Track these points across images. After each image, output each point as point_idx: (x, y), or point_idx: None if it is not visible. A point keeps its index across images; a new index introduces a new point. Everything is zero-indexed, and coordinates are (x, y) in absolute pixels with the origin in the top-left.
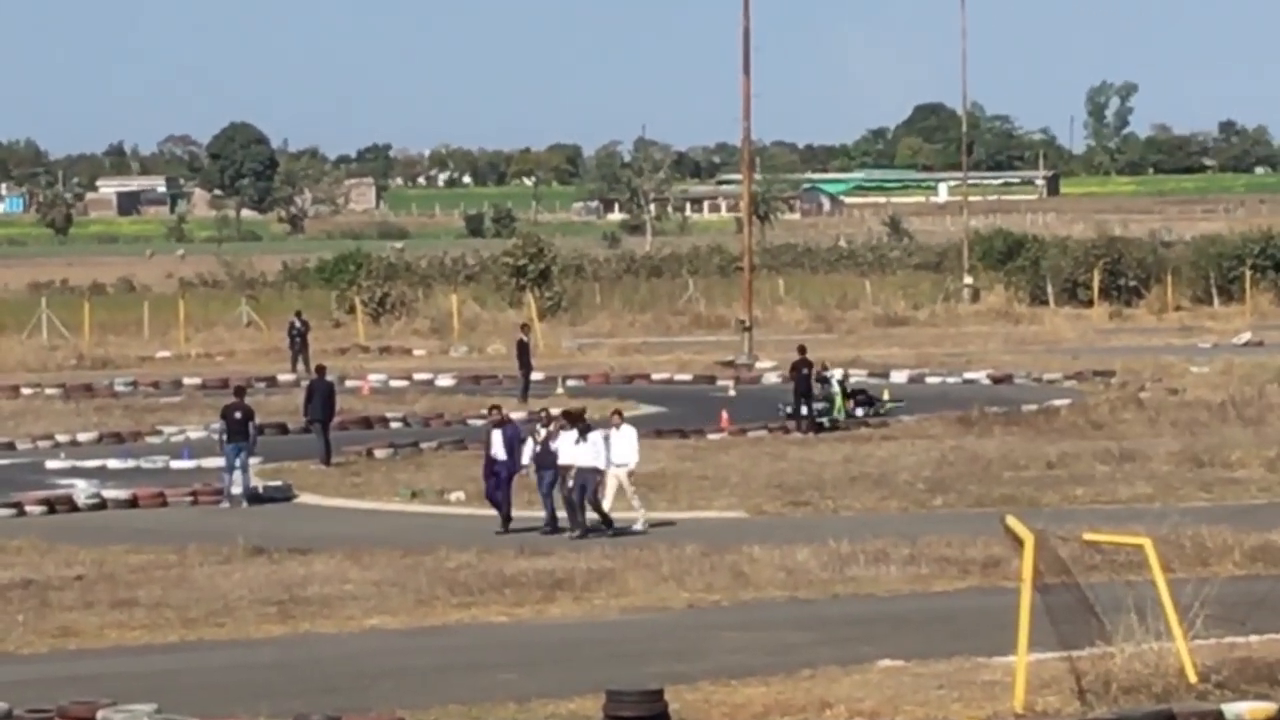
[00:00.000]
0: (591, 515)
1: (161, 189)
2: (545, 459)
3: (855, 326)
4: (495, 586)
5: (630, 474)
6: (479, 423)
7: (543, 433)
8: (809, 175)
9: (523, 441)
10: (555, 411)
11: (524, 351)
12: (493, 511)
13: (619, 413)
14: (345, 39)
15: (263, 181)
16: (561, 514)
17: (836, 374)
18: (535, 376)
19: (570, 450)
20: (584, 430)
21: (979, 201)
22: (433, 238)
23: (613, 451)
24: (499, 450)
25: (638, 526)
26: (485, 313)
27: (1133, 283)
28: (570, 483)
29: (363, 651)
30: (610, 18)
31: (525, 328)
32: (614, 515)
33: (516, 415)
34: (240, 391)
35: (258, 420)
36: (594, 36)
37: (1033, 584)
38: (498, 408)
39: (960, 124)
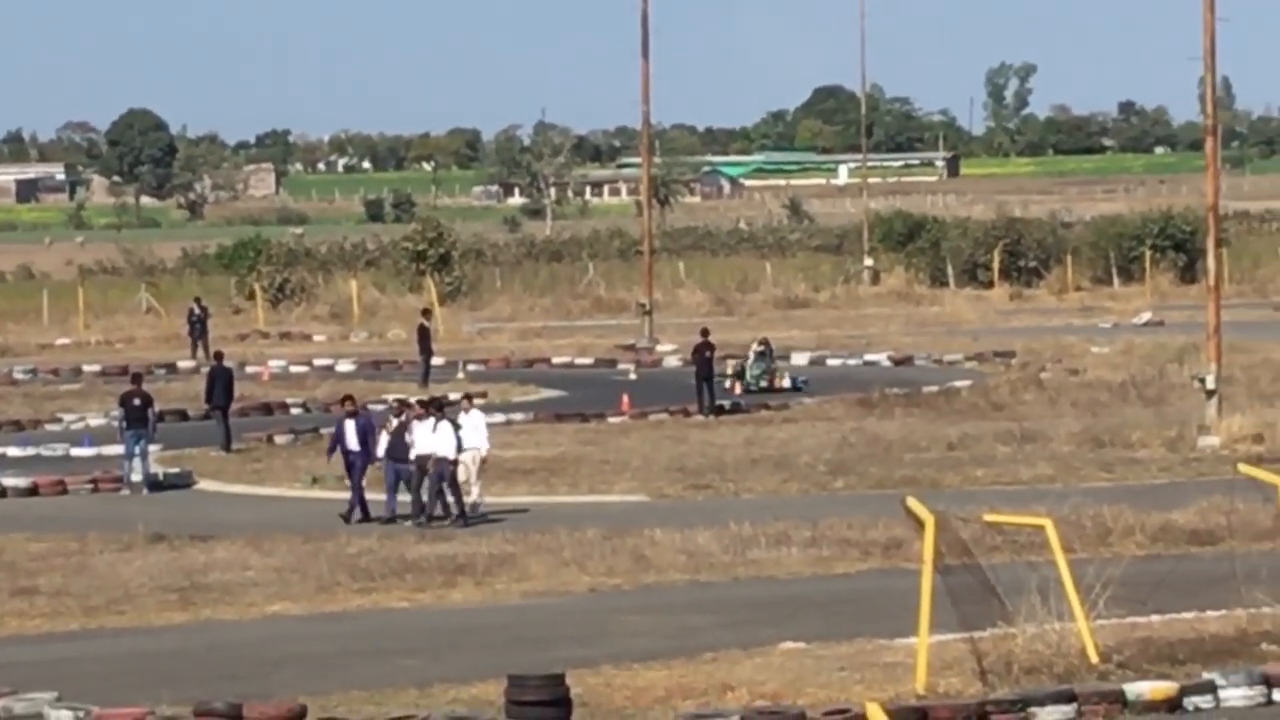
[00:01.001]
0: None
1: (60, 176)
2: (397, 450)
3: (756, 309)
4: (396, 572)
5: (483, 460)
6: (379, 408)
7: (394, 423)
8: (709, 158)
9: (376, 431)
10: (414, 401)
11: (425, 336)
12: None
13: (469, 398)
14: (244, 24)
15: (162, 168)
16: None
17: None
18: (435, 361)
19: (427, 439)
20: (438, 419)
21: (879, 183)
22: (332, 223)
23: (464, 437)
24: (352, 440)
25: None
26: (385, 298)
27: (1033, 264)
28: (428, 470)
29: (264, 638)
30: (510, 1)
31: (426, 313)
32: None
33: (417, 400)
34: (138, 379)
35: (157, 407)
36: (493, 20)
37: (934, 565)
38: (350, 397)
39: (860, 106)
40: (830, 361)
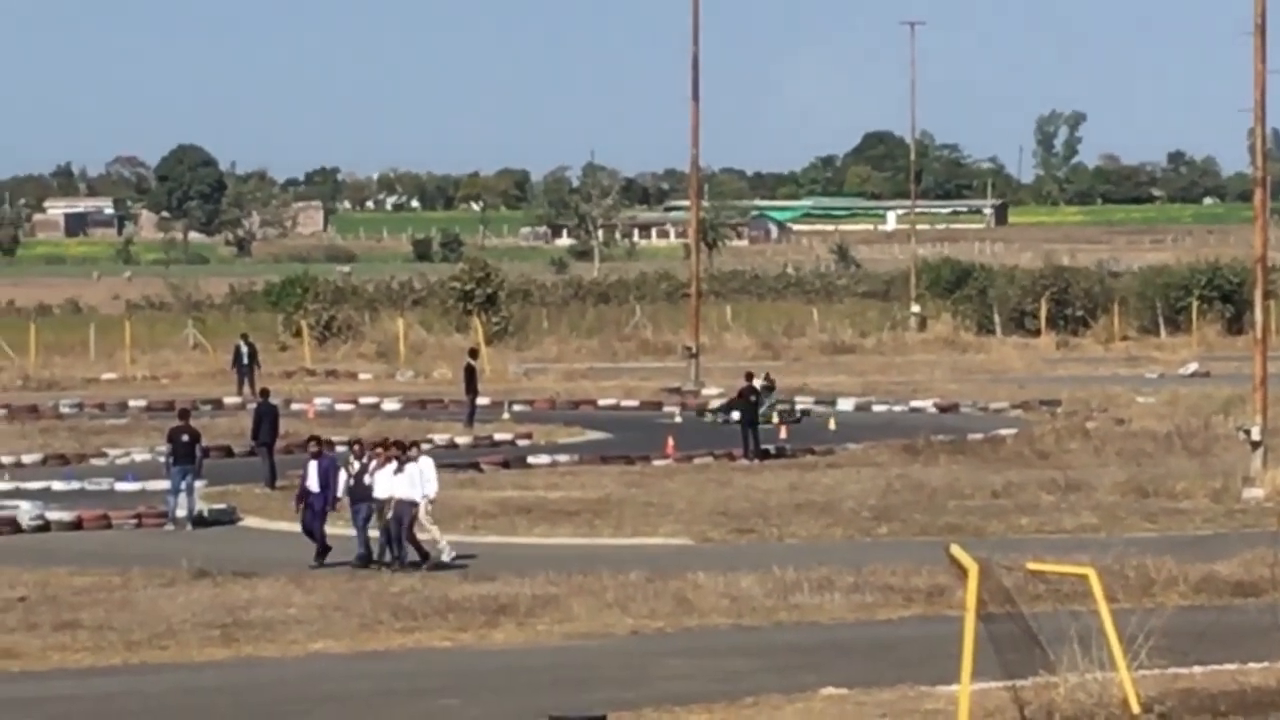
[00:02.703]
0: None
1: (109, 210)
2: (359, 491)
3: (802, 354)
4: (439, 611)
5: (430, 503)
6: (425, 448)
7: (356, 465)
8: (757, 202)
9: (338, 472)
10: (377, 441)
11: (471, 376)
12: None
13: (415, 444)
14: (295, 62)
15: (210, 204)
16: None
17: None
18: (481, 401)
19: (388, 482)
20: (402, 462)
21: (927, 230)
22: (380, 262)
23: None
24: (313, 482)
25: (445, 557)
26: (431, 337)
27: (1080, 312)
28: (389, 514)
29: (306, 676)
30: (560, 43)
31: (473, 353)
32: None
33: (463, 440)
34: (185, 414)
35: (204, 443)
36: (543, 62)
37: (976, 613)
38: (316, 439)
39: (909, 152)
40: (876, 408)
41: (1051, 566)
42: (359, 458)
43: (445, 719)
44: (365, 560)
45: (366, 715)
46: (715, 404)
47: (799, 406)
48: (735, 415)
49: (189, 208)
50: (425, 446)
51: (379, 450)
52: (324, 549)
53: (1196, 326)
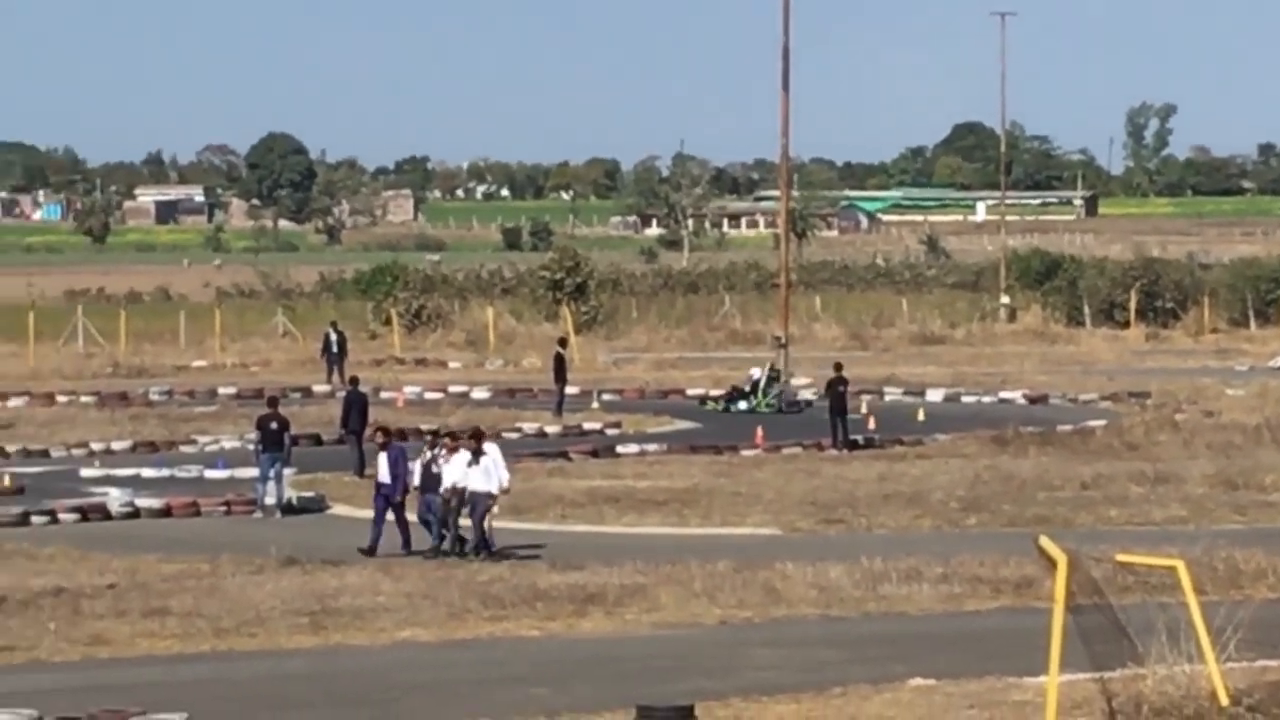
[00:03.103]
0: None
1: (199, 198)
2: (429, 482)
3: (891, 344)
4: (527, 600)
5: (505, 494)
6: (513, 436)
7: (428, 455)
8: (847, 192)
9: (407, 461)
10: (446, 431)
11: (560, 365)
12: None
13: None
14: (385, 50)
15: (300, 192)
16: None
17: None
18: (570, 390)
19: (460, 473)
20: (477, 453)
21: (1017, 221)
22: (470, 250)
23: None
24: (384, 473)
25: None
26: (521, 326)
27: (1169, 304)
28: (454, 503)
29: (394, 664)
30: (650, 32)
31: (563, 341)
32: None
33: (551, 429)
34: (274, 402)
35: (293, 431)
36: (633, 51)
37: (1065, 604)
38: (382, 429)
39: (999, 143)
40: (965, 399)
41: (1140, 558)
42: (430, 448)
43: (533, 708)
44: (437, 551)
45: (455, 704)
46: (715, 392)
47: (802, 397)
48: (743, 405)
49: (279, 196)
50: (513, 435)
51: (448, 441)
52: (376, 542)
53: None
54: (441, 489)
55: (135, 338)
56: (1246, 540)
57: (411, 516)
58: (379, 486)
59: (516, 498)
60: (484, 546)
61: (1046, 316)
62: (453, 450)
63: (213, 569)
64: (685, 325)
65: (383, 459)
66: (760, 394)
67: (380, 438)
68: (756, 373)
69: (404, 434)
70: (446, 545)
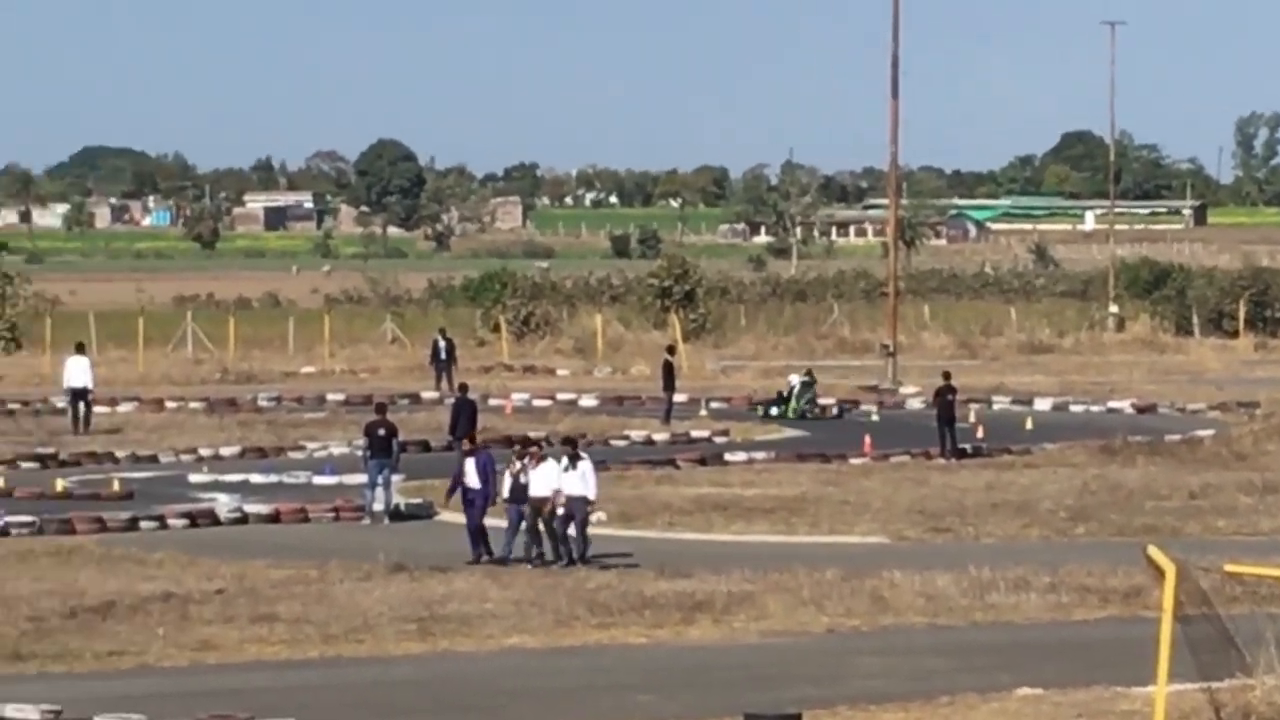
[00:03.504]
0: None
1: (308, 204)
2: (517, 492)
3: (1000, 353)
4: (635, 608)
5: (590, 505)
6: (621, 444)
7: (517, 465)
8: (955, 201)
9: (494, 468)
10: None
11: (669, 373)
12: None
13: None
14: (494, 58)
15: (409, 199)
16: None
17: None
18: (678, 398)
19: (552, 480)
20: (573, 459)
21: (1125, 230)
22: (578, 258)
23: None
24: (473, 479)
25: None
26: (629, 334)
27: (1279, 314)
28: (560, 512)
29: (501, 670)
30: (760, 40)
31: (671, 349)
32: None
33: (660, 437)
34: (383, 409)
35: (401, 437)
36: (743, 59)
37: (1173, 614)
38: (471, 437)
39: (1108, 152)
40: (1073, 408)
41: (1249, 568)
42: (519, 458)
43: (640, 715)
44: (505, 560)
45: (562, 710)
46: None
47: (834, 407)
48: (774, 411)
49: (388, 202)
50: (621, 443)
51: (533, 450)
52: (485, 547)
53: None
54: (530, 498)
55: (244, 344)
56: None
57: (495, 522)
58: (465, 493)
59: (625, 505)
60: (569, 553)
61: (1155, 326)
62: (539, 459)
63: (321, 575)
64: (793, 333)
65: (470, 465)
66: (795, 399)
67: (467, 444)
68: (795, 379)
69: (511, 441)
70: (535, 554)
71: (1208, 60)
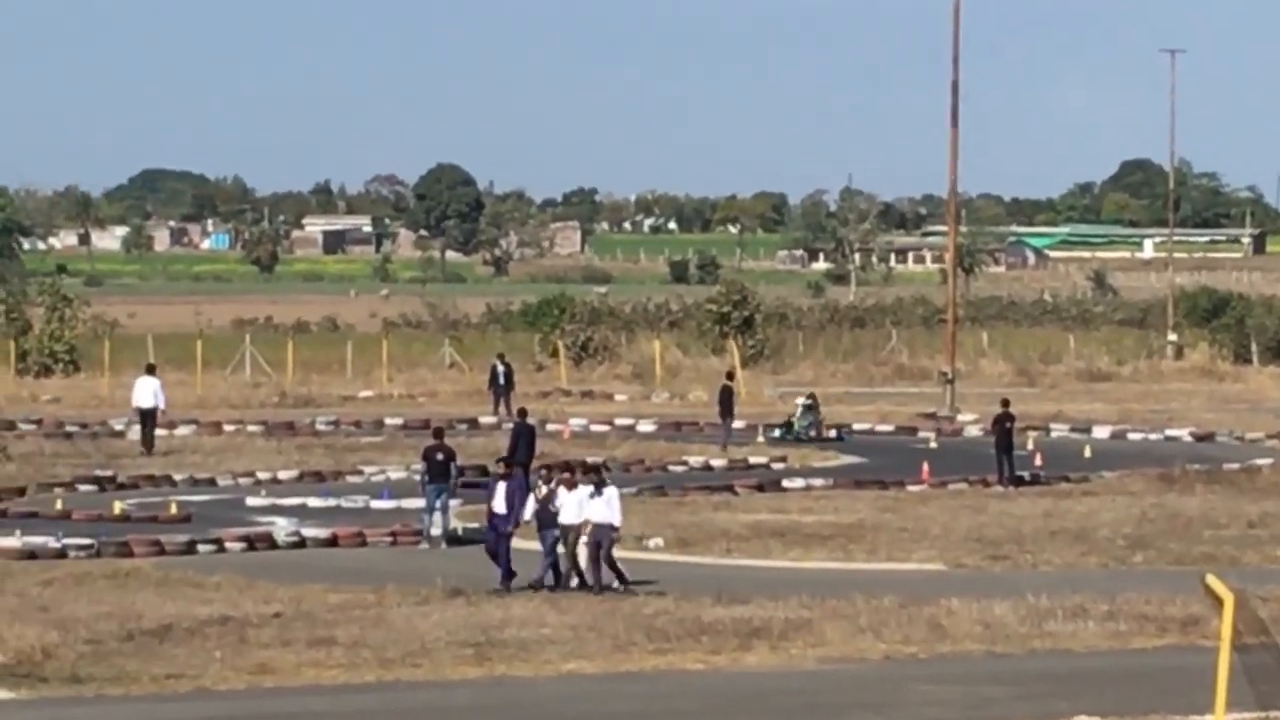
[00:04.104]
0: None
1: (367, 228)
2: (545, 517)
3: (1058, 381)
4: (692, 634)
5: (615, 531)
6: (679, 470)
7: (544, 490)
8: (1014, 228)
9: (525, 495)
10: (558, 464)
11: (728, 399)
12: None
13: (606, 468)
14: (554, 84)
15: (468, 223)
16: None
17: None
18: (736, 425)
19: (578, 506)
20: (599, 485)
21: (1184, 258)
22: (637, 283)
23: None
24: (499, 503)
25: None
26: (687, 359)
27: None
28: (583, 538)
29: (558, 696)
30: (819, 67)
31: (731, 375)
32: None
33: (718, 463)
34: (440, 433)
35: (459, 462)
36: (802, 86)
37: (1231, 643)
38: (505, 460)
39: (1167, 180)
40: (1131, 436)
41: None
42: (546, 482)
43: None
44: (539, 584)
45: None
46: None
47: (832, 430)
48: (776, 433)
49: (446, 227)
50: (679, 468)
51: (566, 475)
52: (509, 573)
53: None
54: (559, 523)
55: (302, 367)
56: None
57: (523, 544)
58: (491, 516)
59: (682, 530)
60: (597, 580)
61: (1214, 354)
62: (570, 485)
63: (378, 599)
64: (852, 360)
65: (501, 489)
66: (797, 422)
67: (502, 468)
68: (801, 401)
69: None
70: (573, 582)
71: (1268, 88)
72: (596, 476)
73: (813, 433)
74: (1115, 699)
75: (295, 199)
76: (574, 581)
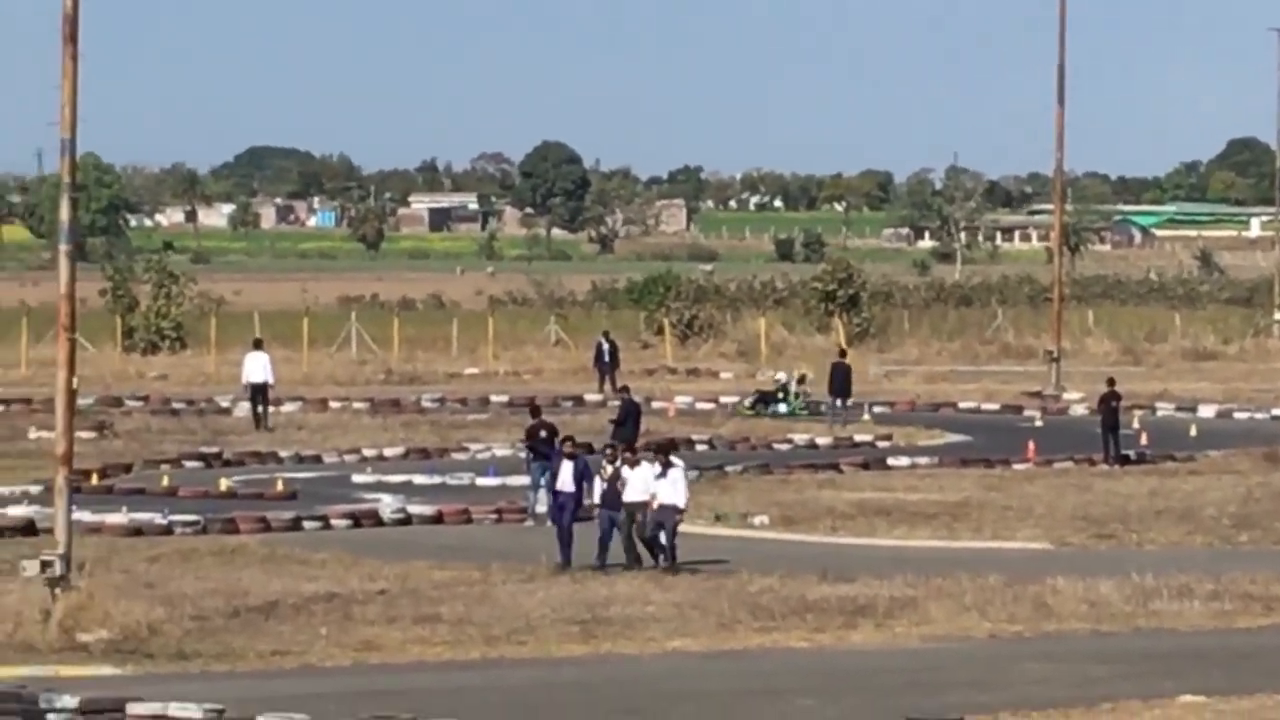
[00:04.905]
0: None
1: (473, 206)
2: (610, 497)
3: (1164, 360)
4: (797, 611)
5: (680, 514)
6: (784, 448)
7: (609, 469)
8: (1120, 207)
9: (592, 475)
10: (626, 444)
11: (845, 377)
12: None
13: (675, 448)
14: (660, 61)
15: (574, 201)
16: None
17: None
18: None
19: (645, 486)
20: (665, 466)
21: None
22: (742, 261)
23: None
24: (566, 482)
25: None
26: (792, 337)
27: None
28: (643, 518)
29: (663, 673)
30: (925, 45)
31: (844, 353)
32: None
33: (823, 441)
34: (537, 411)
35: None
36: (907, 63)
37: None
38: (570, 439)
39: (1274, 159)
40: (1237, 415)
41: None
42: (612, 461)
43: (802, 719)
44: (602, 564)
45: (723, 714)
46: (749, 399)
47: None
48: (782, 408)
49: (552, 204)
50: (784, 446)
51: (629, 454)
52: (568, 553)
53: None
54: (624, 503)
55: (408, 344)
56: None
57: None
58: (557, 495)
59: (787, 509)
60: (666, 557)
61: None
62: (634, 464)
63: (484, 576)
64: (957, 338)
65: (568, 468)
66: (792, 398)
67: (569, 446)
68: (783, 377)
69: (674, 444)
70: (633, 560)
71: None
72: (664, 457)
73: (804, 410)
74: (1220, 678)
75: (401, 176)
76: (646, 560)
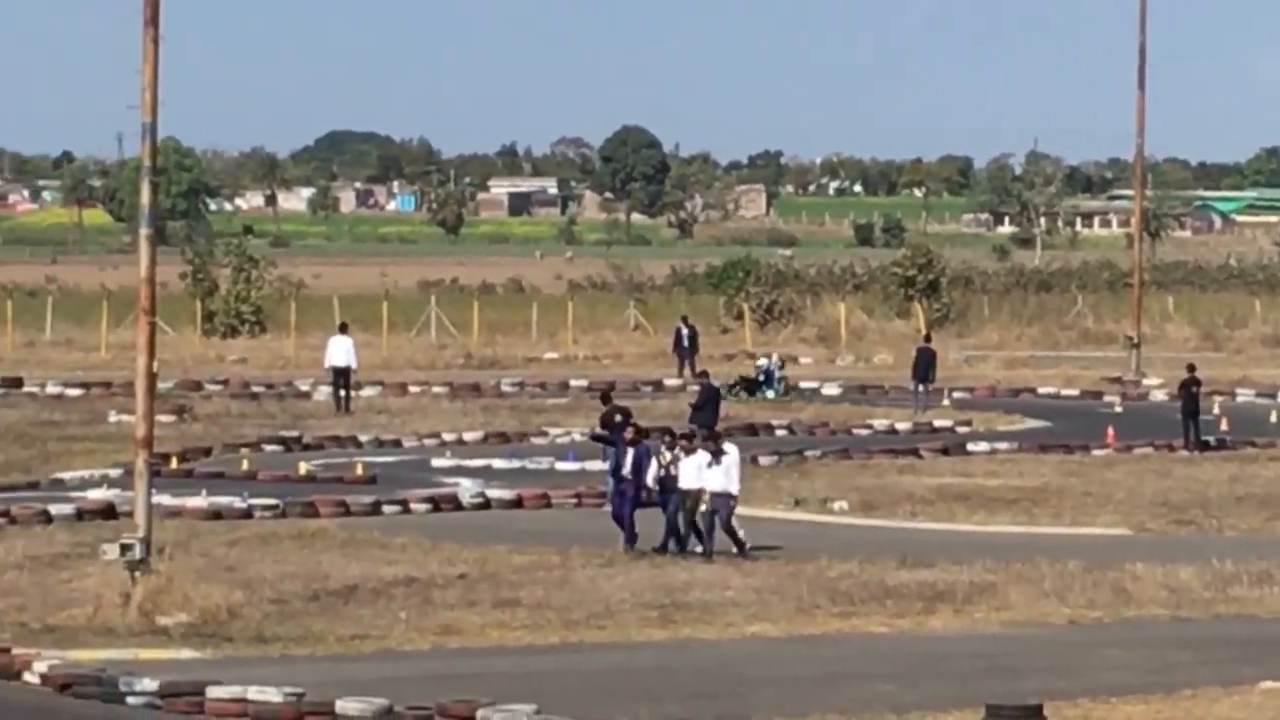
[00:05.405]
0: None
1: (552, 190)
2: (668, 482)
3: (1244, 346)
4: (876, 597)
5: (734, 500)
6: (863, 433)
7: (667, 455)
8: (1200, 193)
9: (650, 461)
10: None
11: (930, 362)
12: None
13: (723, 437)
14: (740, 46)
15: (653, 185)
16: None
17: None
18: (920, 389)
19: (697, 473)
20: (717, 453)
21: None
22: (821, 246)
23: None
24: (629, 468)
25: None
26: (872, 322)
27: None
28: (702, 506)
29: (742, 658)
30: (1005, 30)
31: (928, 338)
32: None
33: (902, 426)
34: (607, 396)
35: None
36: (988, 48)
37: None
38: (636, 426)
39: None
40: None
41: None
42: (670, 448)
43: (881, 704)
44: (664, 549)
45: (803, 698)
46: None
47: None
48: (770, 394)
49: (632, 189)
50: (864, 432)
51: (685, 441)
52: (633, 536)
53: None
54: (678, 488)
55: (488, 329)
56: None
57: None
58: (619, 482)
59: (867, 494)
60: (737, 545)
61: None
62: (689, 451)
63: (563, 561)
64: (1037, 324)
65: (630, 454)
66: (776, 383)
67: (631, 433)
68: (765, 363)
69: (753, 428)
70: (695, 546)
71: None
72: (715, 445)
73: (785, 393)
74: None
75: (481, 161)
76: (698, 547)
